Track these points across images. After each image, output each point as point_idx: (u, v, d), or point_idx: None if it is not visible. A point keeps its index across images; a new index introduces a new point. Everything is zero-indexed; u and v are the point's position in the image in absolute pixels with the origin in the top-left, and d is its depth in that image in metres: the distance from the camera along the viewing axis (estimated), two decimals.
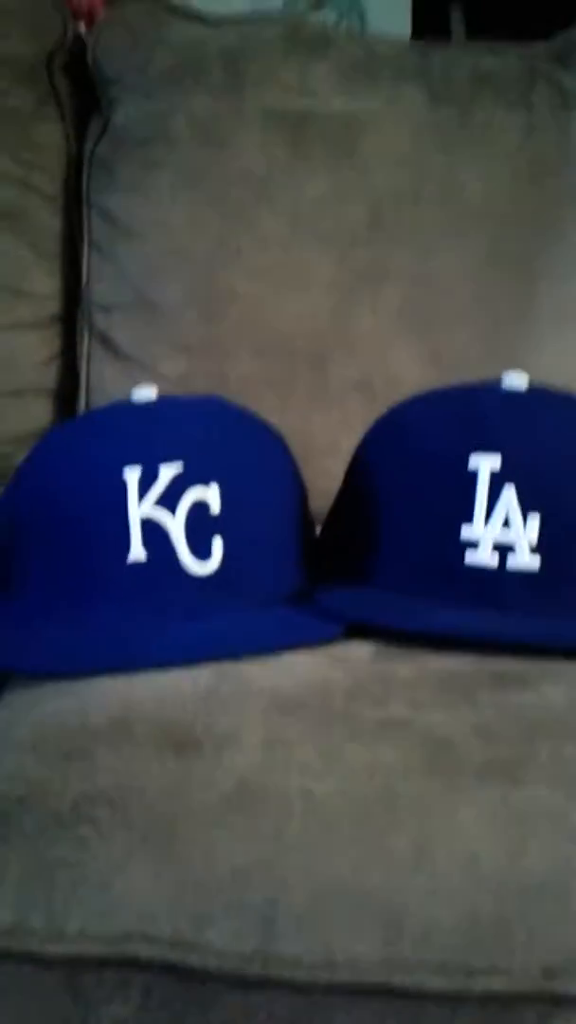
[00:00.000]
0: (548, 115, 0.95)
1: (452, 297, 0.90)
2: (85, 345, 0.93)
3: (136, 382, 0.90)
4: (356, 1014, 0.35)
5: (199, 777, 0.40)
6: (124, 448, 0.59)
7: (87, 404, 0.94)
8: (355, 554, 0.62)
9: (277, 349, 0.89)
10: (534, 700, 0.46)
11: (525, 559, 0.56)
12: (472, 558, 0.56)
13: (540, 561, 0.56)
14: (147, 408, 0.63)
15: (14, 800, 0.39)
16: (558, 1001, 0.36)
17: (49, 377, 0.95)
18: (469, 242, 0.91)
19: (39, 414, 0.94)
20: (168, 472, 0.57)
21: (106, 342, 0.93)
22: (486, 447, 0.58)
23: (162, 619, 0.55)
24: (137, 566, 0.56)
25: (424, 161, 0.92)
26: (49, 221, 0.95)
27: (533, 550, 0.56)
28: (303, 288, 0.90)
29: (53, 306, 0.95)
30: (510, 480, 0.56)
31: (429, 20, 1.72)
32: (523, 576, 0.56)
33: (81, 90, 0.97)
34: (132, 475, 0.57)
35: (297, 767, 0.41)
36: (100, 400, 0.93)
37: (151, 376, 0.91)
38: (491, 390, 0.62)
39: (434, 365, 0.90)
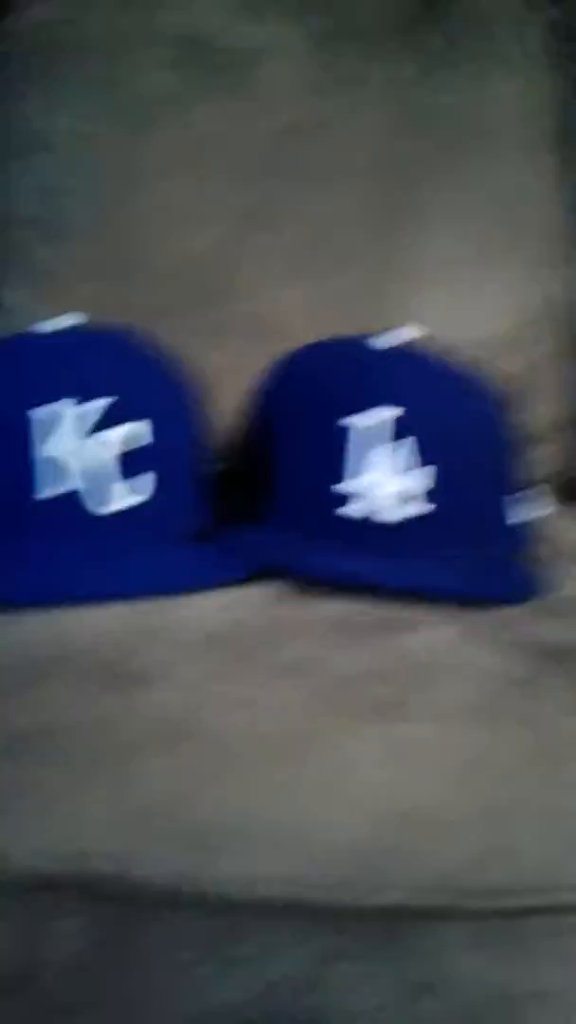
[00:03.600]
0: (440, 61, 0.97)
1: (343, 240, 0.93)
2: None
3: (44, 302, 0.91)
4: (274, 925, 0.42)
5: (133, 711, 0.45)
6: (37, 382, 0.60)
7: None
8: (252, 497, 0.67)
9: (174, 280, 0.90)
10: (419, 643, 0.53)
11: (418, 508, 0.61)
12: (363, 507, 0.61)
13: (433, 510, 0.61)
14: (64, 338, 0.64)
15: None
16: (441, 914, 0.43)
17: None
18: (361, 186, 0.94)
19: None
20: (82, 409, 0.59)
21: (14, 258, 0.91)
22: (383, 400, 0.62)
23: (77, 556, 0.57)
24: (45, 503, 0.58)
25: (319, 100, 0.94)
26: None
27: (427, 500, 0.61)
28: (199, 219, 0.90)
29: None
30: (408, 433, 0.61)
31: None
32: (415, 524, 0.61)
33: None
34: (42, 412, 0.59)
35: (220, 705, 0.46)
36: (9, 320, 0.91)
37: (60, 296, 0.89)
38: (387, 342, 0.67)
39: (323, 307, 0.93)
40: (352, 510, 0.61)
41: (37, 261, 0.90)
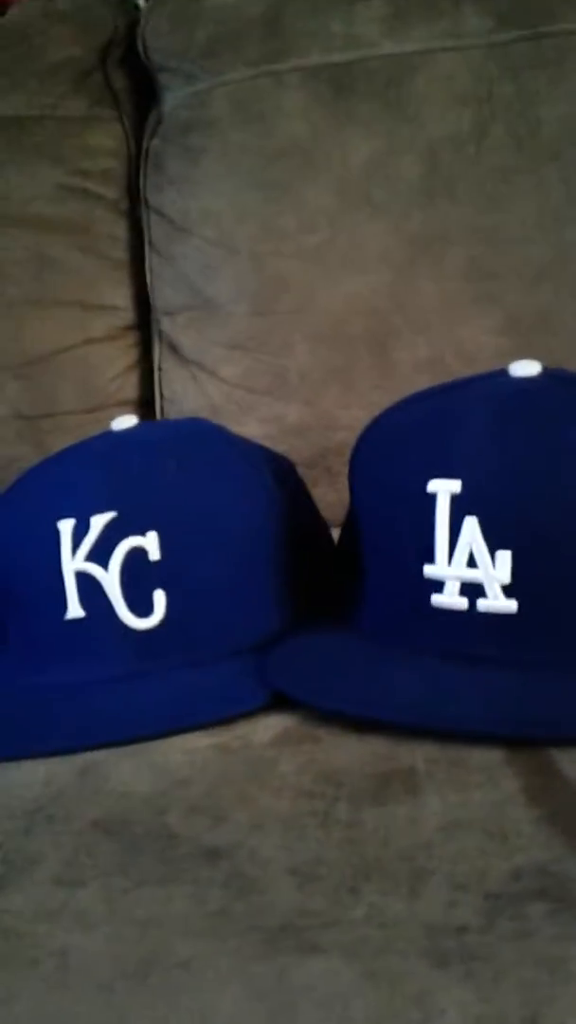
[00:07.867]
0: None
1: (528, 251, 0.77)
2: (156, 352, 0.90)
3: (201, 387, 0.87)
4: None
5: None
6: (65, 495, 0.55)
7: (162, 414, 0.91)
8: (340, 595, 0.54)
9: (334, 336, 0.81)
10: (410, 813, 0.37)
11: (499, 603, 0.45)
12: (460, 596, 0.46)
13: (517, 605, 0.45)
14: (116, 443, 0.57)
15: None
16: None
17: (129, 389, 0.92)
18: (545, 186, 0.77)
19: None
20: (99, 522, 0.52)
21: (173, 347, 0.88)
22: (447, 469, 0.47)
23: (103, 678, 0.51)
24: (76, 623, 0.52)
25: (489, 97, 0.79)
26: (114, 229, 0.91)
27: (508, 592, 0.45)
28: (356, 264, 0.80)
29: (127, 316, 0.92)
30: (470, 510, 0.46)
31: None
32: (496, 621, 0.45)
33: (141, 84, 0.92)
34: (66, 526, 0.53)
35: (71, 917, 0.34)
36: (174, 409, 0.89)
37: (213, 379, 0.86)
38: (490, 383, 0.51)
39: (513, 333, 0.77)
40: (449, 600, 0.46)
41: (185, 347, 0.85)
